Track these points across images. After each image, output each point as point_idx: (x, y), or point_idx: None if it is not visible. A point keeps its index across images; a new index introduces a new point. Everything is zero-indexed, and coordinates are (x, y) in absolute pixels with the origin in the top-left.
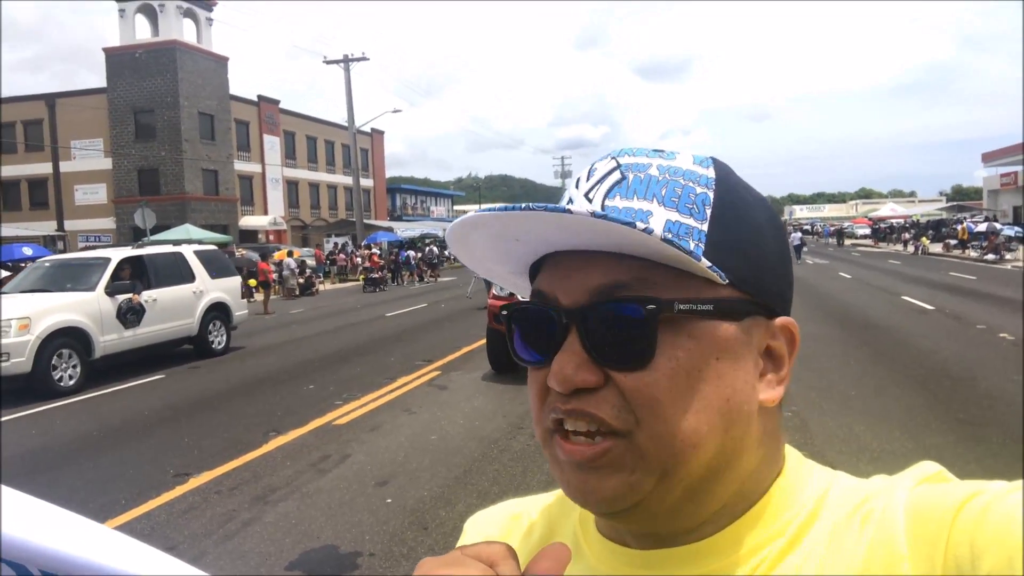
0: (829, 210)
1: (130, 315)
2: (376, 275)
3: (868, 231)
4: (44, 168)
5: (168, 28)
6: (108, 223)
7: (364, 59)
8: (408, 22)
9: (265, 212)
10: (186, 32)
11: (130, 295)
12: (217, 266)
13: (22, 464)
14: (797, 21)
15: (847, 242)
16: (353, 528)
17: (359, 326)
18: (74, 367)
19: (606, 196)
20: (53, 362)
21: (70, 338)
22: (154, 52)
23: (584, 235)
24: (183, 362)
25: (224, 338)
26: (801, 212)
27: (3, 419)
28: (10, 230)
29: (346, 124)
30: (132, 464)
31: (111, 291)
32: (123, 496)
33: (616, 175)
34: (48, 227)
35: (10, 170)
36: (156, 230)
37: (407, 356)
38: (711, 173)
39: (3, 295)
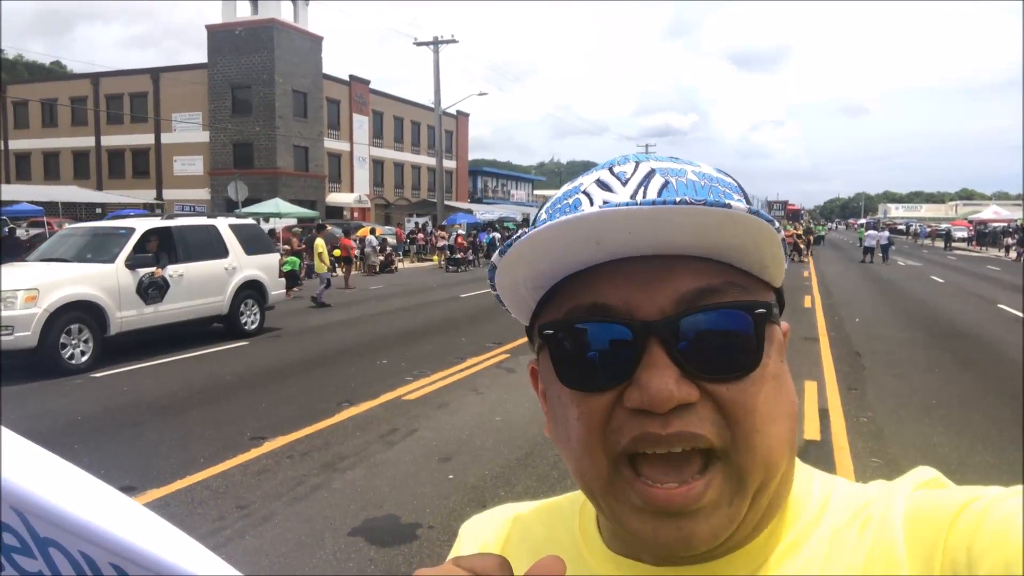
0: (926, 210)
1: (152, 290)
2: (459, 255)
3: (965, 233)
4: (147, 139)
5: (267, 7)
6: (203, 194)
7: (453, 41)
8: (498, 8)
9: (351, 190)
10: (284, 11)
11: (152, 269)
12: (254, 242)
13: (112, 418)
14: (896, 12)
15: (935, 243)
16: (415, 500)
17: (434, 305)
18: (86, 343)
19: (659, 196)
20: (63, 339)
21: (83, 312)
22: (253, 30)
23: (687, 236)
24: (219, 341)
25: (257, 318)
26: (896, 211)
27: (99, 375)
28: (113, 196)
29: (432, 106)
30: (212, 425)
31: (132, 264)
32: (202, 454)
33: (659, 178)
34: (148, 195)
35: (116, 139)
36: (247, 203)
37: (478, 337)
38: (734, 182)
39: (17, 264)
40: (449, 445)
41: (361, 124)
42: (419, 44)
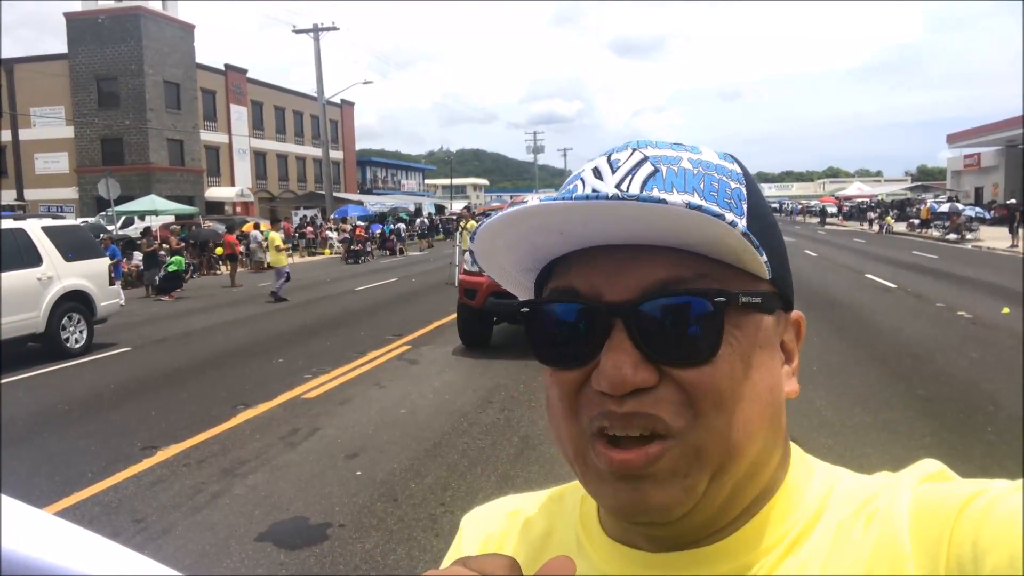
0: (797, 189)
1: None
2: (357, 247)
3: (835, 209)
4: (3, 135)
5: None
6: (71, 193)
7: (334, 28)
8: None
9: (232, 183)
10: None
11: None
12: (75, 246)
13: None
14: (768, 2)
15: (807, 219)
16: (323, 500)
17: (329, 300)
18: None
19: (642, 188)
20: None
21: None
22: (118, 18)
23: (648, 227)
24: (97, 349)
25: (84, 335)
26: (770, 191)
27: None
28: None
29: (315, 95)
30: (99, 437)
31: None
32: (90, 469)
33: (648, 167)
34: (8, 196)
35: None
36: (120, 200)
37: (377, 330)
38: (738, 169)
39: None
40: (354, 441)
41: (240, 115)
42: (298, 32)
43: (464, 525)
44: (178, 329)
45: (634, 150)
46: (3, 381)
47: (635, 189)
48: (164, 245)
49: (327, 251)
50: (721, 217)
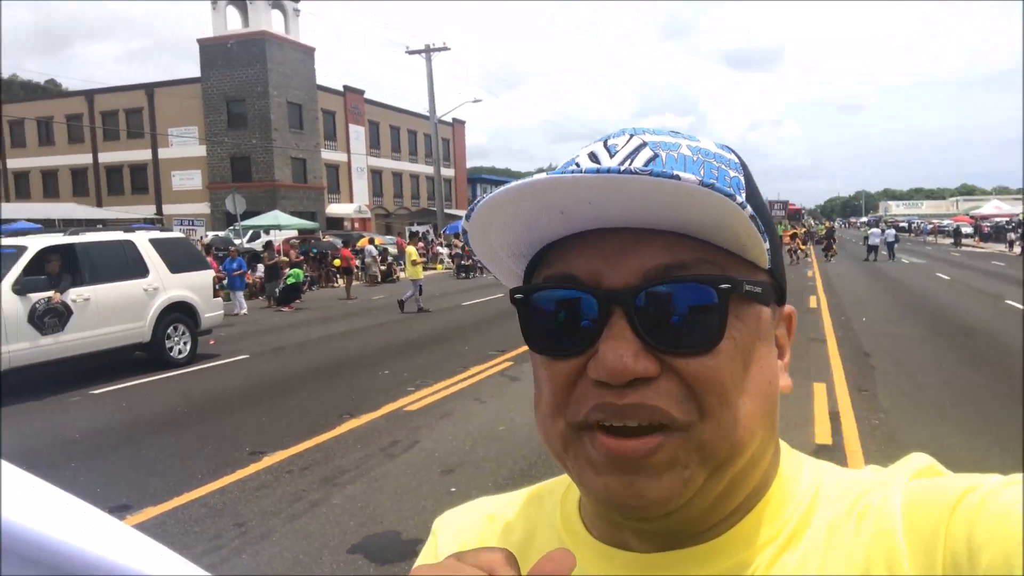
0: (927, 207)
1: (48, 318)
2: (467, 263)
3: (971, 229)
4: (144, 154)
5: (258, 19)
6: (203, 208)
7: (445, 49)
8: (491, 14)
9: (350, 200)
10: (275, 23)
11: (49, 293)
12: (180, 258)
13: (110, 436)
14: (895, 7)
15: (938, 240)
16: (416, 515)
17: (437, 314)
18: None
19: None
20: None
21: None
22: (244, 43)
23: (652, 208)
24: (219, 356)
25: (189, 345)
26: (897, 208)
27: (97, 391)
28: (114, 213)
29: (428, 114)
30: (213, 441)
31: (21, 288)
32: (200, 471)
33: (647, 151)
34: (148, 211)
35: (113, 156)
36: (247, 215)
37: (481, 345)
38: (735, 159)
39: None
40: (451, 457)
41: (358, 134)
42: (411, 52)
43: (438, 529)
44: (295, 339)
45: (631, 136)
46: (127, 384)
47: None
48: (284, 258)
49: (439, 266)
50: (732, 197)
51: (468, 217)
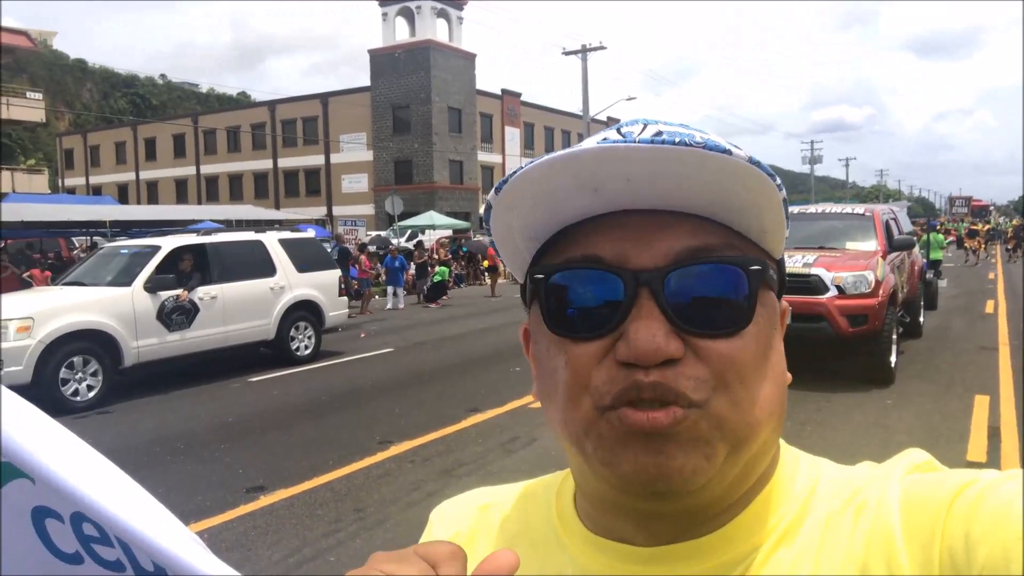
0: None
1: (176, 315)
2: None
3: None
4: (318, 160)
5: (424, 28)
6: (368, 209)
7: (601, 48)
8: (656, 11)
9: None
10: (439, 31)
11: (177, 292)
12: (307, 257)
13: (259, 421)
14: None
15: None
16: None
17: None
18: (94, 376)
19: None
20: (64, 372)
21: (89, 343)
22: (411, 51)
23: (686, 188)
24: (365, 348)
25: (312, 342)
26: None
27: (252, 379)
28: (289, 213)
29: (581, 114)
30: (347, 428)
31: (152, 286)
32: (332, 456)
33: (666, 136)
34: (320, 212)
35: (291, 161)
36: (405, 215)
37: None
38: (744, 153)
39: (35, 290)
40: (565, 456)
41: (513, 136)
42: (567, 53)
43: (433, 519)
44: (437, 334)
45: (645, 124)
46: (282, 373)
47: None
48: (434, 256)
49: None
50: (772, 178)
51: (498, 190)
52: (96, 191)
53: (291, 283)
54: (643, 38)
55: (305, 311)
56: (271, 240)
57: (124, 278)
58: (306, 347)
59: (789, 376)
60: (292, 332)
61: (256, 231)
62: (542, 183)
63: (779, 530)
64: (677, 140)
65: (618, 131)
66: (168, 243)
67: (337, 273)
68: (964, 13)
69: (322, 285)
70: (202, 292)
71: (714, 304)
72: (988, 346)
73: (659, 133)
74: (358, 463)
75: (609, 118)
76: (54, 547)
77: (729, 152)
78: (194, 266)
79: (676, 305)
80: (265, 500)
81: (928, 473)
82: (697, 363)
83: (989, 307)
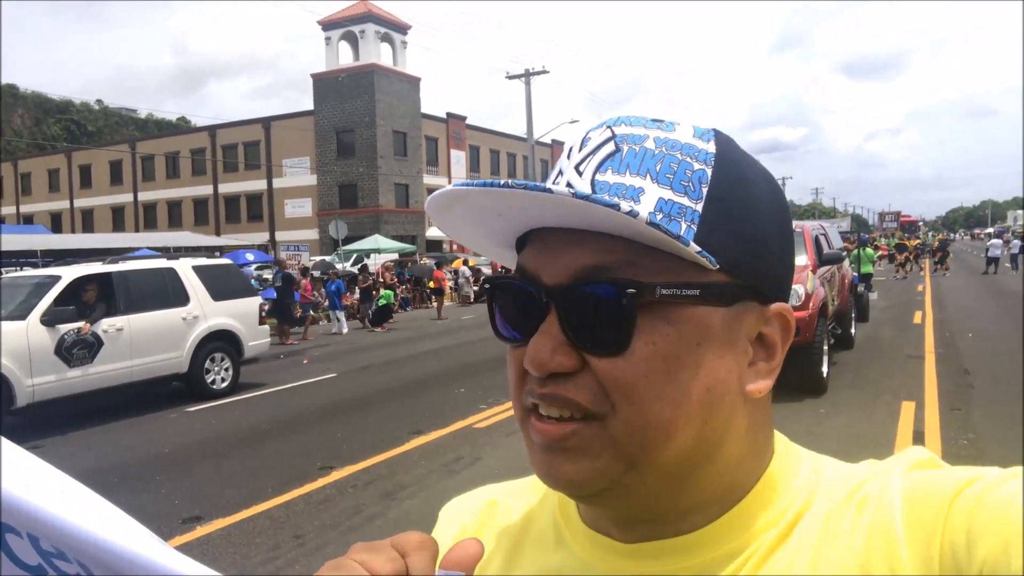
0: None
1: (77, 349)
2: None
3: None
4: (260, 185)
5: (368, 52)
6: (313, 234)
7: (544, 72)
8: (598, 35)
9: None
10: (383, 55)
11: (79, 324)
12: (225, 285)
13: (196, 450)
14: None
15: None
16: None
17: None
18: None
19: (597, 170)
20: None
21: None
22: (355, 75)
23: (568, 214)
24: (308, 375)
25: (230, 374)
26: None
27: (190, 409)
28: (230, 240)
29: (526, 136)
30: (288, 455)
31: (50, 319)
32: (271, 484)
33: (610, 146)
34: (262, 237)
35: (232, 187)
36: (350, 240)
37: None
38: (711, 148)
39: None
40: (510, 473)
41: (459, 159)
42: (511, 77)
43: (441, 516)
44: (382, 358)
45: (607, 127)
46: (221, 403)
47: (589, 171)
48: (379, 280)
49: None
50: (615, 207)
51: (428, 220)
52: (28, 220)
53: (206, 312)
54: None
55: (222, 341)
56: (184, 267)
57: (19, 311)
58: (223, 380)
59: (762, 386)
60: (208, 364)
61: (168, 258)
62: (454, 212)
63: (779, 526)
64: (502, 183)
65: (583, 136)
66: (69, 273)
67: (257, 301)
68: (890, 37)
69: (240, 314)
70: (107, 324)
71: (599, 323)
72: (915, 355)
73: (611, 155)
74: (298, 490)
75: (553, 140)
76: (18, 560)
77: (549, 191)
78: (98, 297)
79: (572, 322)
80: (202, 530)
81: (930, 470)
82: (593, 378)
83: (917, 317)
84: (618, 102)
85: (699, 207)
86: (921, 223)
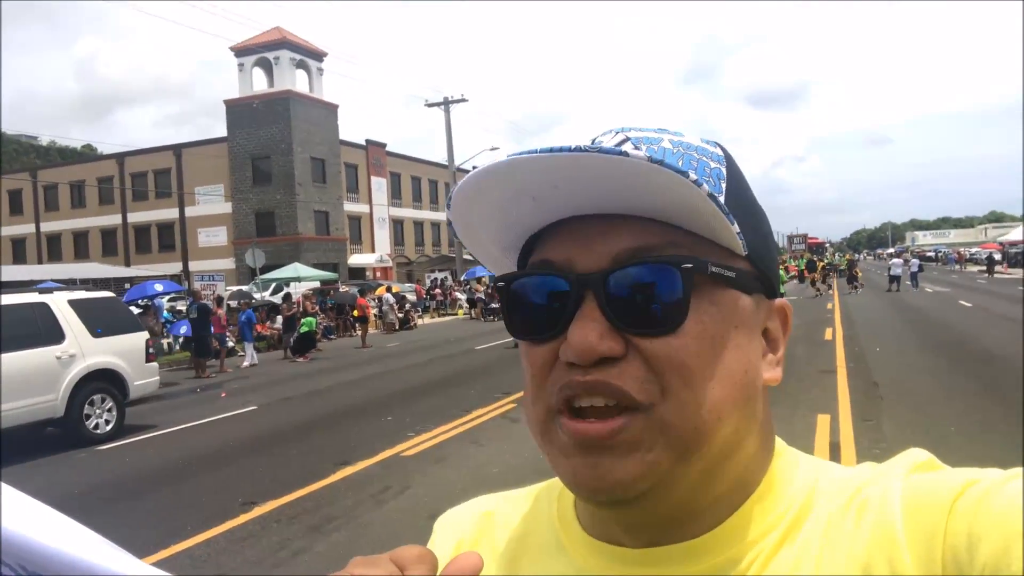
0: (955, 236)
1: None
2: (495, 305)
3: (999, 256)
4: (171, 213)
5: (282, 79)
6: (229, 263)
7: (463, 100)
8: (516, 66)
9: (372, 250)
10: (299, 82)
11: None
12: (106, 320)
13: (111, 490)
14: (915, 40)
15: (965, 268)
16: None
17: (449, 359)
18: None
19: None
20: None
21: None
22: (269, 102)
23: (617, 192)
24: (228, 407)
25: (113, 416)
26: (925, 239)
27: (102, 448)
28: (140, 271)
29: (448, 163)
30: (208, 492)
31: None
32: (190, 522)
33: (629, 145)
34: (174, 268)
35: (142, 216)
36: (269, 268)
37: (488, 388)
38: (720, 152)
39: None
40: (440, 501)
41: (380, 186)
42: (430, 105)
43: (437, 528)
44: (305, 388)
45: (617, 132)
46: (135, 439)
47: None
48: (299, 310)
49: (460, 311)
50: (684, 174)
51: (449, 206)
52: None
53: (84, 350)
54: (503, 91)
55: (103, 382)
56: (59, 301)
57: None
58: (106, 422)
59: (776, 375)
60: (87, 408)
61: (40, 291)
62: (483, 196)
63: (779, 530)
64: (573, 147)
65: (592, 141)
66: None
67: (143, 336)
68: (792, 68)
69: (124, 351)
70: None
71: (650, 303)
72: (827, 369)
73: (596, 141)
74: (219, 527)
75: (475, 167)
76: None
77: (626, 154)
78: None
79: (616, 306)
80: None
81: (930, 472)
82: (640, 362)
83: (828, 334)
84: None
85: (721, 199)
86: (828, 244)
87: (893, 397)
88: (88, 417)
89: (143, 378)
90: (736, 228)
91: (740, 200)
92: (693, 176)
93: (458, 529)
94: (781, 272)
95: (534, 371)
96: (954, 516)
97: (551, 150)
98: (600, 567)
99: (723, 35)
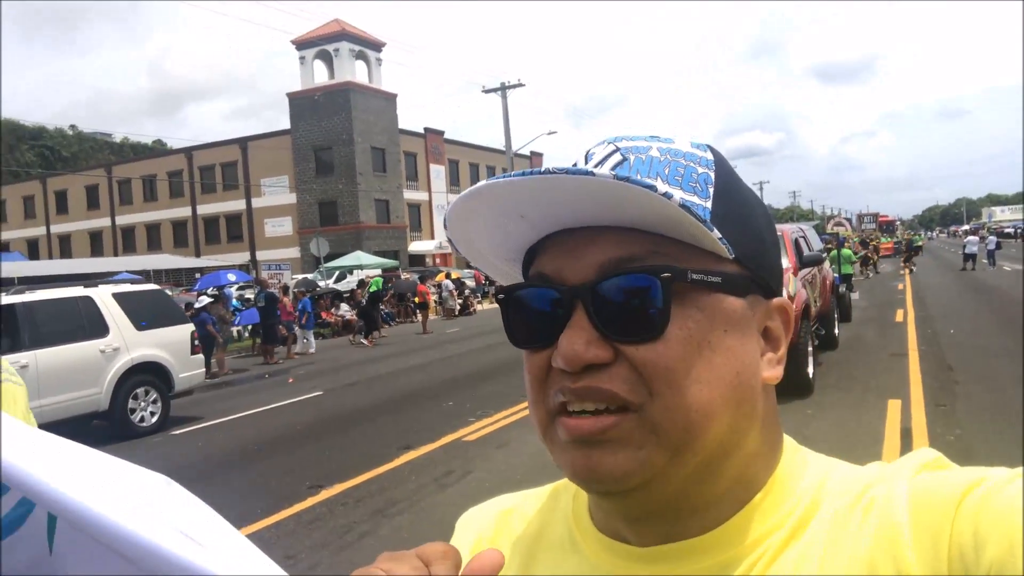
0: None
1: None
2: None
3: None
4: (239, 205)
5: (342, 71)
6: (294, 252)
7: (520, 85)
8: (574, 48)
9: (432, 237)
10: (359, 73)
11: None
12: (150, 313)
13: (182, 474)
14: (989, 6)
15: None
16: None
17: (508, 345)
18: None
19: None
20: None
21: None
22: (330, 94)
23: (596, 207)
24: (294, 392)
25: (158, 409)
26: (1003, 215)
27: (176, 432)
28: (210, 261)
29: (505, 149)
30: (277, 475)
31: None
32: (260, 506)
33: (617, 156)
34: (242, 257)
35: (211, 208)
36: (332, 257)
37: None
38: (709, 156)
39: None
40: (502, 487)
41: (438, 173)
42: (487, 91)
43: (458, 526)
44: (368, 374)
45: (609, 143)
46: (205, 425)
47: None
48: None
49: None
50: (652, 188)
51: (445, 226)
52: (4, 248)
53: (128, 343)
54: (562, 74)
55: (148, 375)
56: (103, 295)
57: None
58: (152, 414)
59: (776, 374)
60: (131, 400)
61: (86, 285)
62: (475, 216)
63: (786, 528)
64: (543, 170)
65: (586, 153)
66: None
67: (189, 328)
68: (860, 42)
69: (169, 343)
70: (8, 360)
71: (634, 311)
72: (899, 352)
73: (621, 163)
74: (287, 510)
75: (532, 152)
76: None
77: (591, 174)
78: (3, 330)
79: (603, 315)
80: None
81: (937, 472)
82: (628, 367)
83: (899, 316)
84: (597, 111)
85: (708, 204)
86: (899, 223)
87: (969, 382)
88: (133, 411)
89: (188, 370)
90: (717, 234)
91: (731, 203)
92: (662, 188)
93: (478, 526)
94: (848, 252)
95: (533, 378)
96: (960, 516)
97: (523, 174)
98: (610, 563)
99: (788, 8)
